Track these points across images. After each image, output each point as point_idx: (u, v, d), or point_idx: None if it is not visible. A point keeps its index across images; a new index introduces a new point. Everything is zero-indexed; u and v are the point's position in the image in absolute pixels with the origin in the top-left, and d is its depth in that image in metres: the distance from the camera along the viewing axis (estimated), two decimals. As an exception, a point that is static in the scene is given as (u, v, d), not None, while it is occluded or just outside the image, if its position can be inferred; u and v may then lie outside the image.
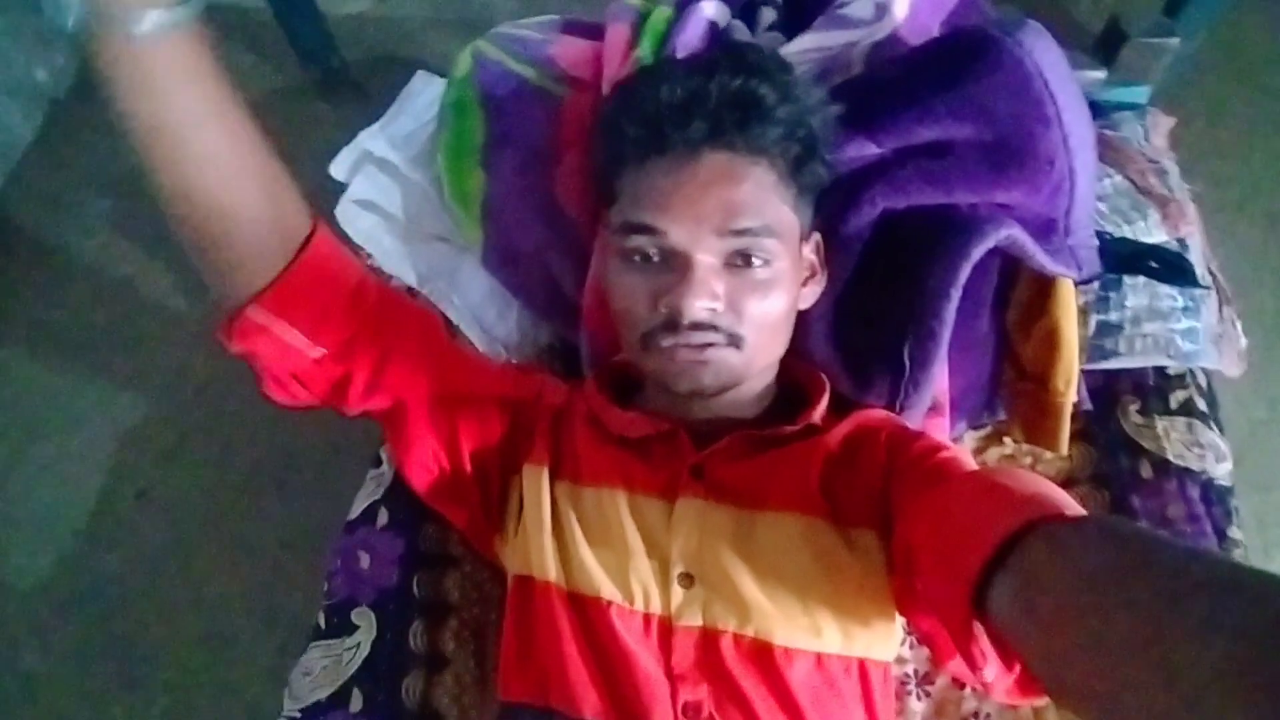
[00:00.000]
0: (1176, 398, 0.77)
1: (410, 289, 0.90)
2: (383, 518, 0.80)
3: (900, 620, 0.62)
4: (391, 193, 0.90)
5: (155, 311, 1.39)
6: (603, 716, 0.57)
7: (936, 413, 0.72)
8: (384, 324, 0.65)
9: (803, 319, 0.68)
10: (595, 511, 0.62)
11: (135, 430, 1.31)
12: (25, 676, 1.16)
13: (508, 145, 0.83)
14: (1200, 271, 0.80)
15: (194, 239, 0.56)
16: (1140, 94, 0.96)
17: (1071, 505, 0.45)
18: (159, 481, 1.27)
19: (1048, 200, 0.69)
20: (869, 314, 0.70)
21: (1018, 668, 0.46)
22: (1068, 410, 0.72)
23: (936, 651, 0.56)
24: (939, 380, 0.71)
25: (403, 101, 0.96)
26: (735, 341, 0.60)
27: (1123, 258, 0.78)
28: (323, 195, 0.89)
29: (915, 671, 0.73)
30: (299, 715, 0.72)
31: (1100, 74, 0.99)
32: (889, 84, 0.73)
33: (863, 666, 0.59)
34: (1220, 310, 0.80)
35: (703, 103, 0.58)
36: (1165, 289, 0.77)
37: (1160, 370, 0.78)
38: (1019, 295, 0.75)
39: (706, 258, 0.58)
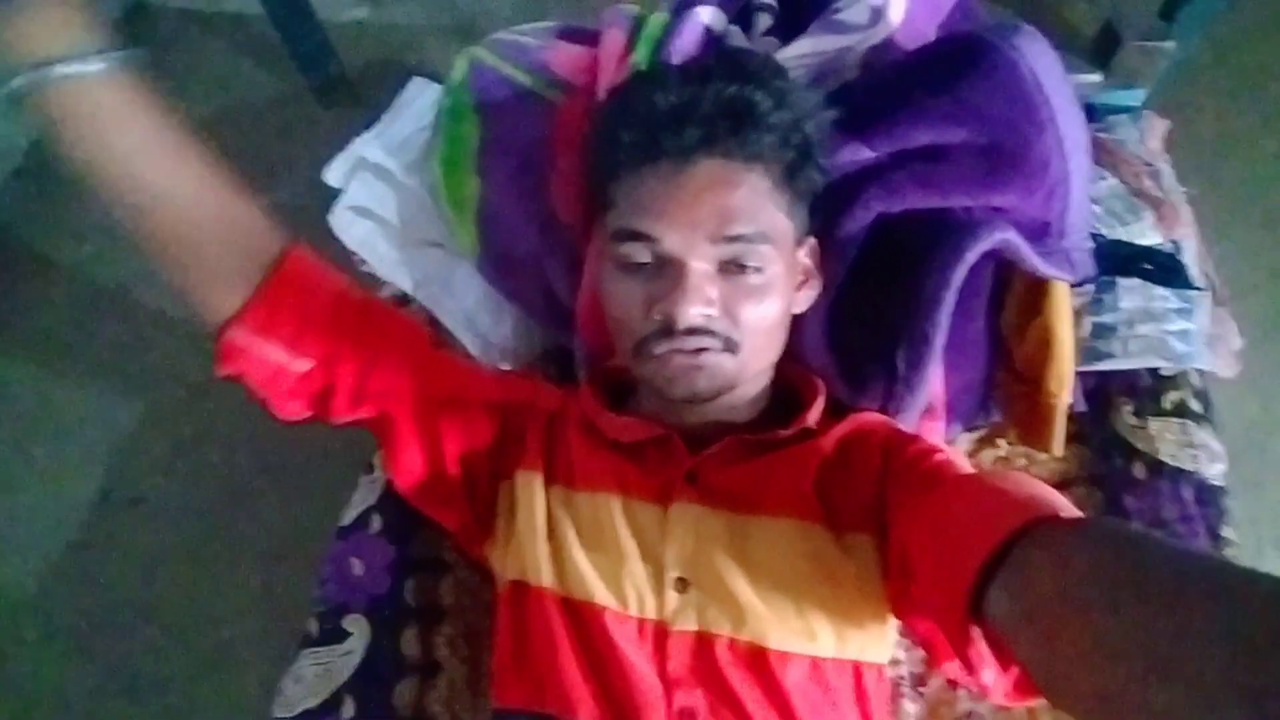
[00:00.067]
0: (1170, 399, 0.77)
1: (405, 295, 0.90)
2: (375, 524, 0.80)
3: (895, 623, 0.62)
4: (386, 199, 0.90)
5: (150, 318, 1.39)
6: (598, 721, 0.57)
7: (931, 416, 0.72)
8: (366, 334, 0.66)
9: (797, 323, 0.68)
10: (590, 517, 0.62)
11: (130, 437, 1.31)
12: (15, 683, 1.15)
13: (503, 151, 0.83)
14: (1194, 273, 0.80)
15: (161, 267, 0.59)
16: (1135, 97, 0.97)
17: (1068, 508, 0.46)
18: (154, 488, 1.27)
19: (1042, 203, 0.70)
20: (864, 317, 0.70)
21: (1014, 670, 0.46)
22: (1062, 412, 0.72)
23: (933, 654, 0.55)
24: (933, 383, 0.71)
25: (398, 107, 0.96)
26: (730, 346, 0.60)
27: (1117, 260, 0.78)
28: (319, 201, 0.89)
29: (909, 673, 0.73)
30: (291, 723, 0.71)
31: (1096, 77, 1.00)
32: (884, 88, 0.73)
33: (857, 669, 0.59)
34: (1214, 312, 0.80)
35: (697, 110, 0.58)
36: (1159, 291, 0.77)
37: (1154, 371, 0.78)
38: (1013, 298, 0.75)
39: (701, 264, 0.58)
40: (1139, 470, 0.75)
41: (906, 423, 0.69)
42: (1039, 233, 0.71)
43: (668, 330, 0.59)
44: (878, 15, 0.77)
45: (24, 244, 1.51)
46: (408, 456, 0.68)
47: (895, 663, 0.73)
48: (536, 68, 0.87)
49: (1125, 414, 0.77)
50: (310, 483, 1.21)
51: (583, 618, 0.59)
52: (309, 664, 0.74)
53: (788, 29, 0.82)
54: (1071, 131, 0.68)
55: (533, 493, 0.64)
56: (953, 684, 0.72)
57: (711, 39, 0.81)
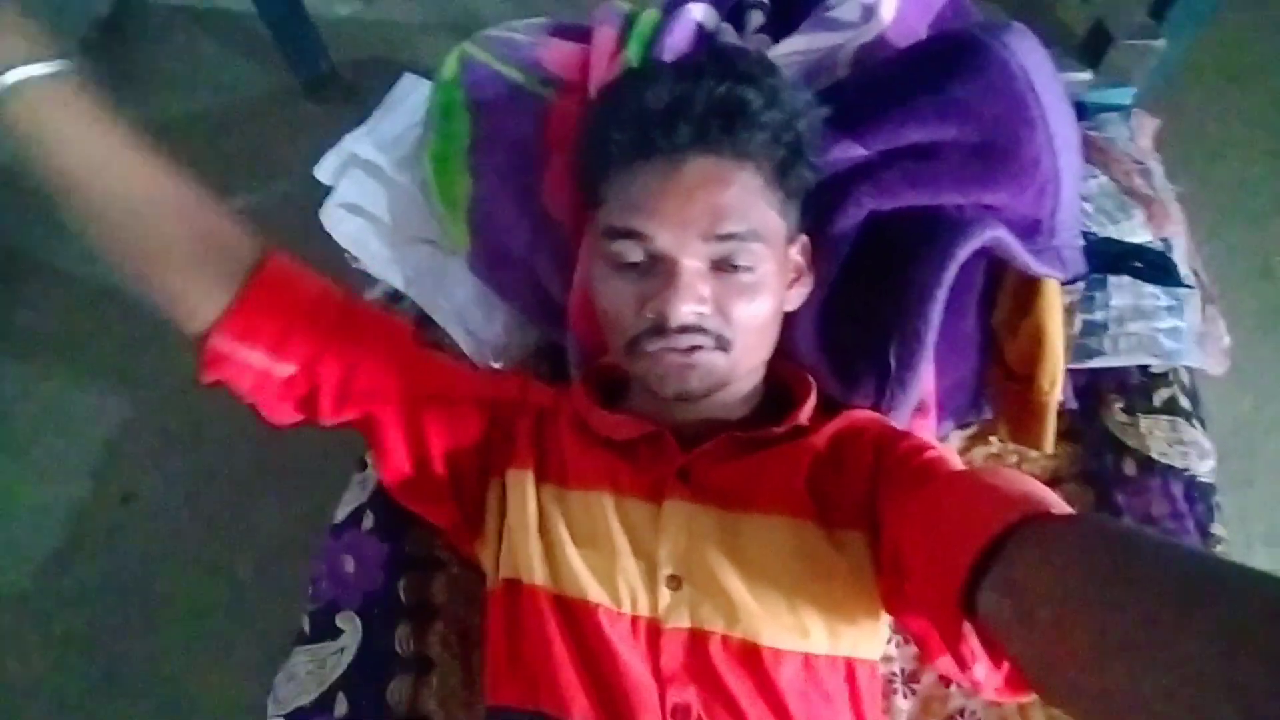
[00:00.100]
0: (1160, 396, 0.78)
1: (397, 292, 0.90)
2: (368, 521, 0.79)
3: (887, 619, 0.62)
4: (378, 196, 0.90)
5: (141, 316, 1.38)
6: (592, 719, 0.57)
7: (922, 413, 0.72)
8: (348, 336, 0.66)
9: (790, 320, 0.68)
10: (582, 514, 0.62)
11: (122, 434, 1.31)
12: (8, 683, 1.15)
13: (494, 148, 0.83)
14: (1184, 271, 0.80)
15: (133, 280, 0.59)
16: (1126, 95, 0.97)
17: (1059, 504, 0.46)
18: (146, 485, 1.26)
19: (1033, 201, 0.70)
20: (856, 315, 0.70)
21: (1006, 666, 0.46)
22: (1053, 409, 0.73)
23: (925, 650, 0.56)
24: (925, 380, 0.71)
25: (389, 104, 0.96)
26: (722, 344, 0.60)
27: (1108, 258, 0.79)
28: (311, 198, 0.89)
29: (901, 670, 0.74)
30: (284, 720, 0.71)
31: (1086, 76, 1.00)
32: (875, 86, 0.73)
33: (850, 666, 0.60)
34: (1204, 309, 0.81)
35: (689, 108, 0.58)
36: (1149, 288, 0.78)
37: (1144, 369, 0.79)
38: (1005, 295, 0.76)
39: (692, 262, 0.58)
40: (1129, 467, 0.76)
41: (898, 420, 0.69)
42: (1030, 230, 0.71)
43: (660, 328, 0.59)
44: (869, 13, 0.77)
45: (16, 242, 1.50)
46: (395, 456, 0.68)
47: (888, 660, 0.73)
48: (528, 65, 0.86)
49: (1116, 411, 0.78)
50: (305, 480, 1.21)
51: (576, 615, 0.59)
52: (302, 661, 0.74)
53: (780, 26, 0.82)
54: (1062, 129, 0.69)
55: (524, 491, 0.64)
56: (945, 680, 0.73)
57: (703, 36, 0.81)
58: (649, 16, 0.81)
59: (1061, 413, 0.74)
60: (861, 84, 0.75)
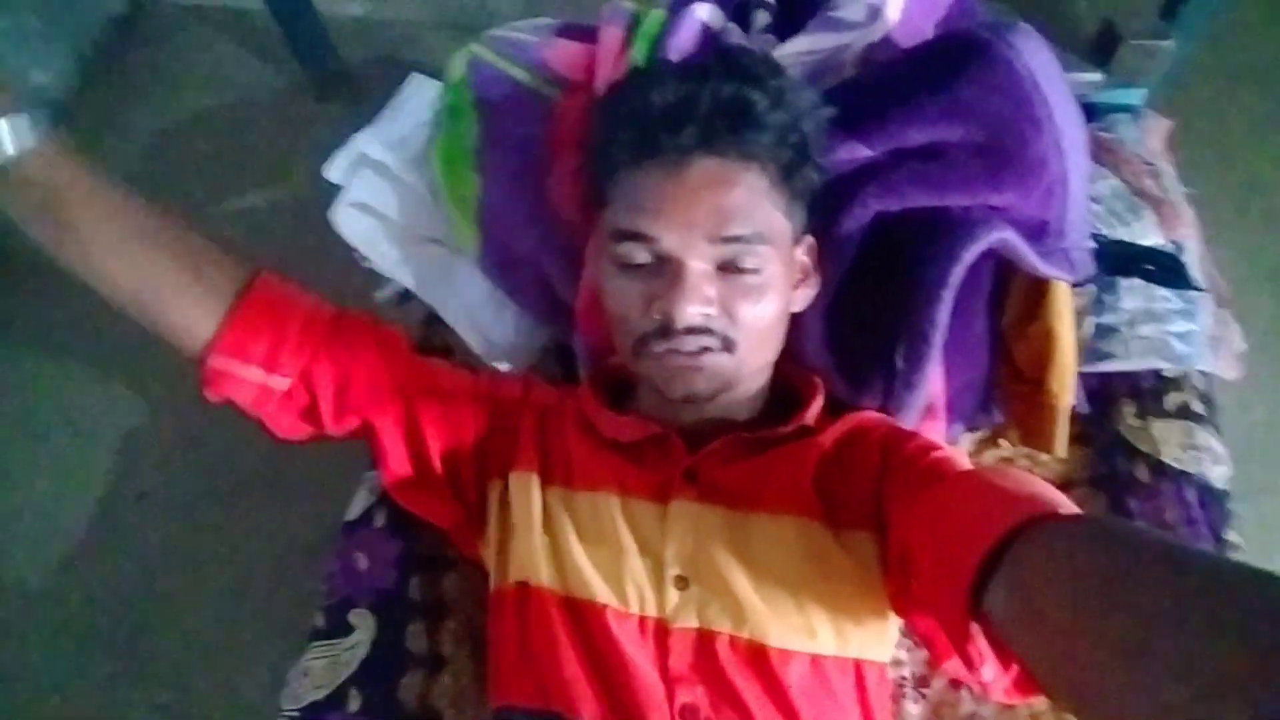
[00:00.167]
0: (1173, 400, 0.77)
1: (407, 292, 0.90)
2: (380, 519, 0.80)
3: (896, 621, 0.62)
4: (387, 196, 0.90)
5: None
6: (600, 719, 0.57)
7: (931, 415, 0.72)
8: (340, 346, 0.67)
9: (796, 321, 0.68)
10: (589, 515, 0.63)
11: (136, 432, 1.31)
12: (26, 679, 1.16)
13: (502, 149, 0.83)
14: (1196, 274, 0.80)
15: (130, 311, 0.63)
16: (1136, 96, 0.96)
17: (1067, 505, 0.46)
18: (160, 483, 1.27)
19: (1040, 202, 0.69)
20: (862, 316, 0.70)
21: (1015, 668, 0.46)
22: (1064, 413, 0.73)
23: (933, 651, 0.56)
24: (933, 382, 0.71)
25: (397, 104, 0.96)
26: (729, 346, 0.60)
27: (1119, 260, 0.78)
28: (320, 197, 0.89)
29: (912, 674, 0.73)
30: (297, 715, 0.72)
31: (1096, 76, 0.99)
32: (881, 86, 0.73)
33: (858, 667, 0.59)
34: (1216, 313, 0.80)
35: (694, 109, 0.58)
36: (1161, 291, 0.77)
37: (1157, 373, 0.78)
38: (1014, 297, 0.75)
39: (699, 264, 0.58)
40: (1142, 472, 0.75)
41: (906, 421, 0.69)
42: (1038, 232, 0.71)
43: (666, 329, 0.59)
44: (875, 13, 0.77)
45: (31, 240, 1.51)
46: (394, 457, 0.69)
47: (898, 663, 0.73)
48: (534, 65, 0.87)
49: (1128, 415, 0.77)
50: (315, 477, 1.22)
51: (584, 616, 0.59)
52: (315, 657, 0.74)
53: (785, 26, 0.82)
54: (1069, 130, 0.68)
55: (529, 494, 0.65)
56: (955, 685, 0.72)
57: (709, 36, 0.81)
58: (655, 16, 0.81)
59: (1073, 417, 0.74)
60: (867, 84, 0.75)
